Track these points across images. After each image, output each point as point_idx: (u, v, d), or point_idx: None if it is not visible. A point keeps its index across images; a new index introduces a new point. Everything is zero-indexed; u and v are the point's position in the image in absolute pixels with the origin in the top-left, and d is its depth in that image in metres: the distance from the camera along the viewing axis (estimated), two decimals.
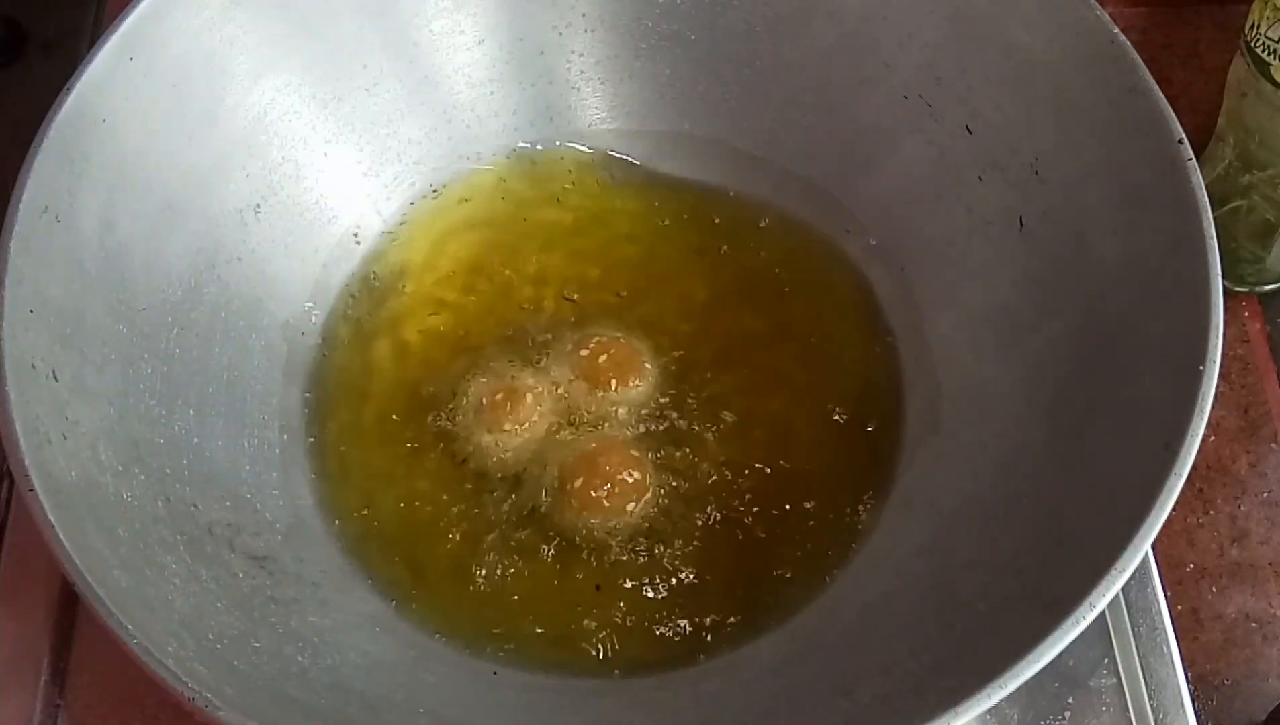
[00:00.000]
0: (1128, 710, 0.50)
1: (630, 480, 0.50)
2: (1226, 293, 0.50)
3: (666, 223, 0.59)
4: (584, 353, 0.53)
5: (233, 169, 0.53)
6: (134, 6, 0.48)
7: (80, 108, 0.46)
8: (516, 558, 0.50)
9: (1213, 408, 0.40)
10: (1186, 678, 0.50)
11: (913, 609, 0.46)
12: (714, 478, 0.52)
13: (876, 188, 0.57)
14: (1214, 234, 0.43)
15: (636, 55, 0.60)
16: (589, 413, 0.52)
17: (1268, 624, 0.54)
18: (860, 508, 0.51)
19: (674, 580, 0.49)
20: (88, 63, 0.47)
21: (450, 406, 0.53)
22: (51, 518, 0.38)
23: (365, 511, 0.51)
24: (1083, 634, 0.36)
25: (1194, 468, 0.39)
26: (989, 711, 0.40)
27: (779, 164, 0.59)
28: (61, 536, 0.38)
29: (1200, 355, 0.41)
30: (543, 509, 0.50)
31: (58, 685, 0.51)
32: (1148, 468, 0.39)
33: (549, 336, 0.55)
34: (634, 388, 0.53)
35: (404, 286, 0.57)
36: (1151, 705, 0.50)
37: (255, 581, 0.45)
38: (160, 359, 0.48)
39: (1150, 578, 0.52)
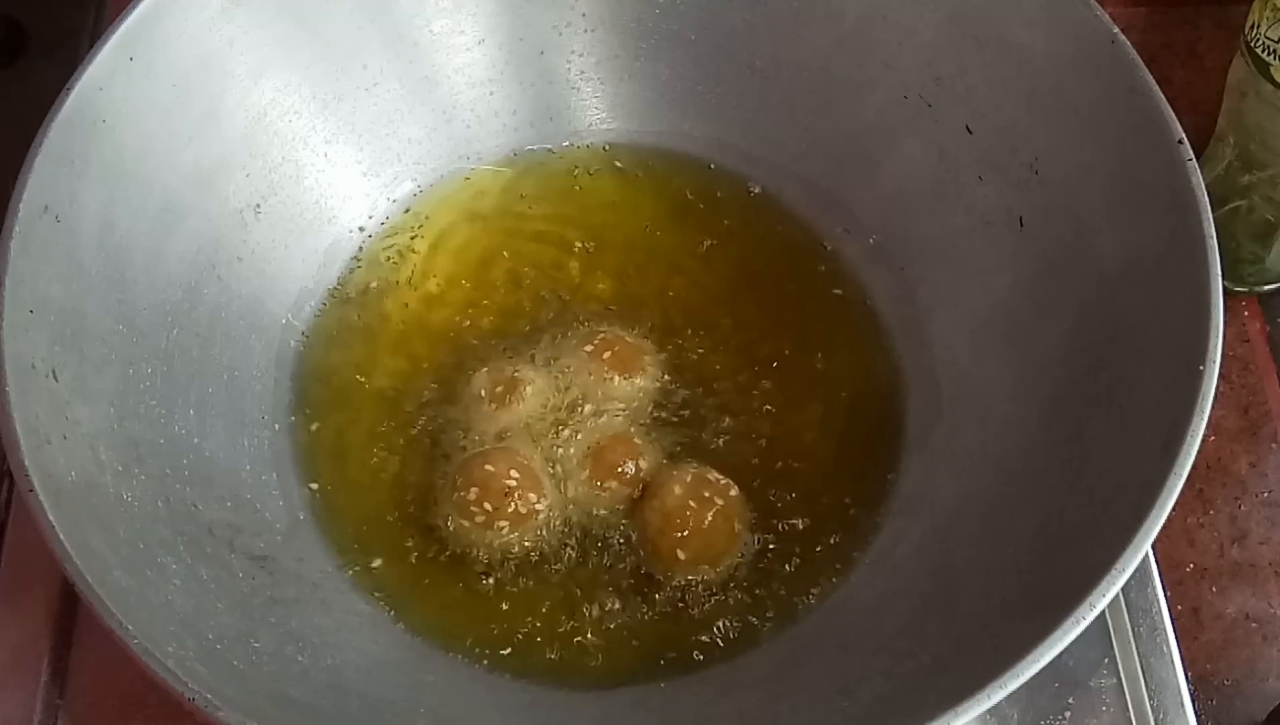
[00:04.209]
0: (1128, 710, 0.50)
1: (633, 473, 0.50)
2: (1226, 293, 0.50)
3: (667, 222, 0.59)
4: (587, 350, 0.53)
5: (233, 169, 0.53)
6: (134, 6, 0.48)
7: (80, 108, 0.46)
8: (515, 559, 0.50)
9: (1213, 408, 0.40)
10: (1186, 678, 0.50)
11: (913, 609, 0.46)
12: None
13: (876, 188, 0.57)
14: (1214, 234, 0.43)
15: (636, 55, 0.60)
16: (591, 409, 0.52)
17: (1268, 624, 0.54)
18: (860, 508, 0.51)
19: (675, 582, 0.49)
20: (88, 63, 0.47)
21: (451, 405, 0.53)
22: (51, 518, 0.38)
23: (364, 512, 0.51)
24: (1083, 634, 0.36)
25: (1194, 468, 0.39)
26: (989, 711, 0.40)
27: (779, 164, 0.59)
28: (61, 536, 0.38)
29: (1200, 355, 0.41)
30: (543, 509, 0.50)
31: (58, 685, 0.51)
32: (1148, 468, 0.39)
33: (550, 335, 0.55)
34: (635, 385, 0.53)
35: (404, 286, 0.57)
36: (1151, 705, 0.50)
37: (255, 581, 0.45)
38: (160, 359, 0.48)
39: (1150, 578, 0.52)
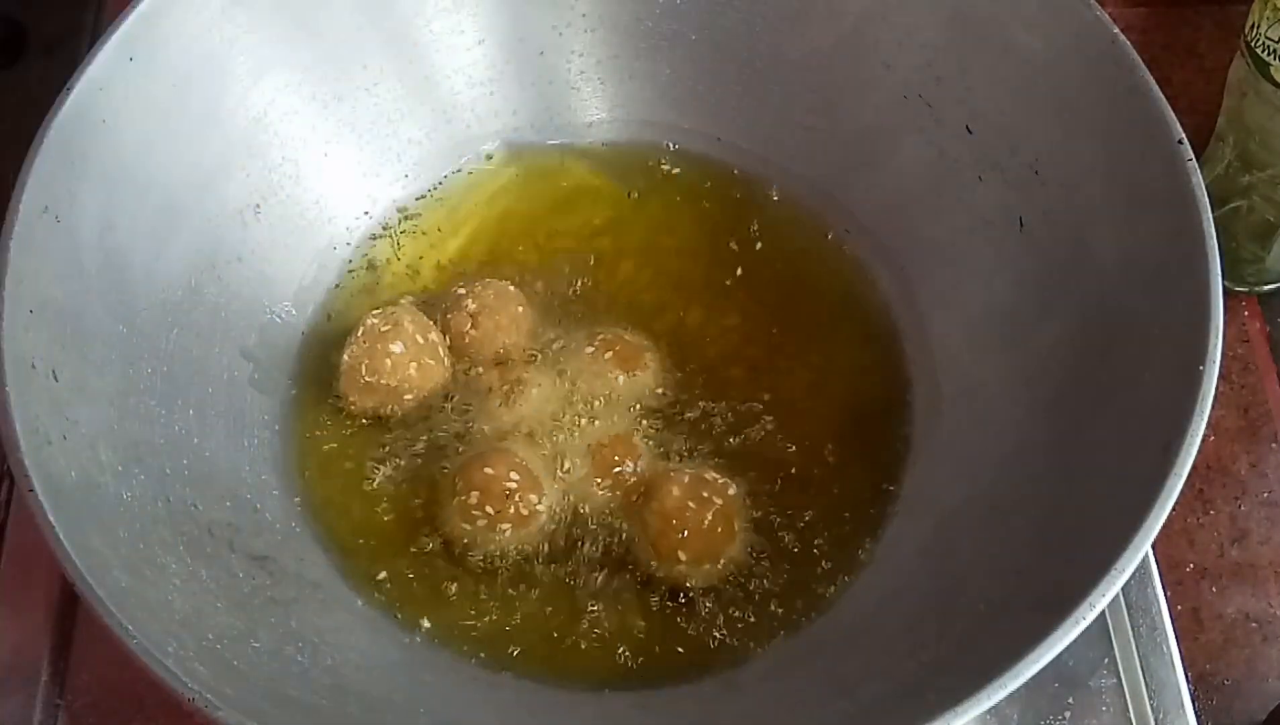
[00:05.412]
0: (1128, 710, 0.50)
1: (633, 473, 0.50)
2: (1226, 293, 0.50)
3: (666, 222, 0.59)
4: (588, 350, 0.53)
5: (233, 169, 0.53)
6: (134, 6, 0.48)
7: (80, 108, 0.46)
8: (515, 559, 0.50)
9: (1213, 408, 0.40)
10: (1186, 678, 0.50)
11: (913, 609, 0.46)
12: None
13: (876, 188, 0.57)
14: (1214, 234, 0.43)
15: (636, 55, 0.60)
16: (592, 409, 0.52)
17: (1268, 624, 0.54)
18: (861, 508, 0.51)
19: (674, 584, 0.49)
20: (88, 63, 0.47)
21: (453, 405, 0.53)
22: (52, 518, 0.38)
23: (365, 512, 0.51)
24: (1083, 634, 0.37)
25: (1194, 468, 0.39)
26: (989, 711, 0.40)
27: (779, 164, 0.59)
28: (62, 537, 0.38)
29: (1200, 355, 0.41)
30: (543, 510, 0.50)
31: (58, 685, 0.51)
32: (1148, 468, 0.39)
33: (551, 334, 0.55)
34: (636, 384, 0.53)
35: (404, 286, 0.57)
36: (1151, 705, 0.50)
37: (255, 581, 0.45)
38: (160, 359, 0.48)
39: (1150, 578, 0.52)
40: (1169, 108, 0.45)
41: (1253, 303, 0.62)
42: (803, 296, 0.57)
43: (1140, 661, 0.50)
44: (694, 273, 0.58)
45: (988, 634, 0.41)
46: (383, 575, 0.49)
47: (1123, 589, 0.38)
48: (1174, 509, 0.38)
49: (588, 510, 0.50)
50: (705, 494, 0.49)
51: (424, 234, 0.59)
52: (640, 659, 0.48)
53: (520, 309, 0.55)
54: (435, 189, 0.60)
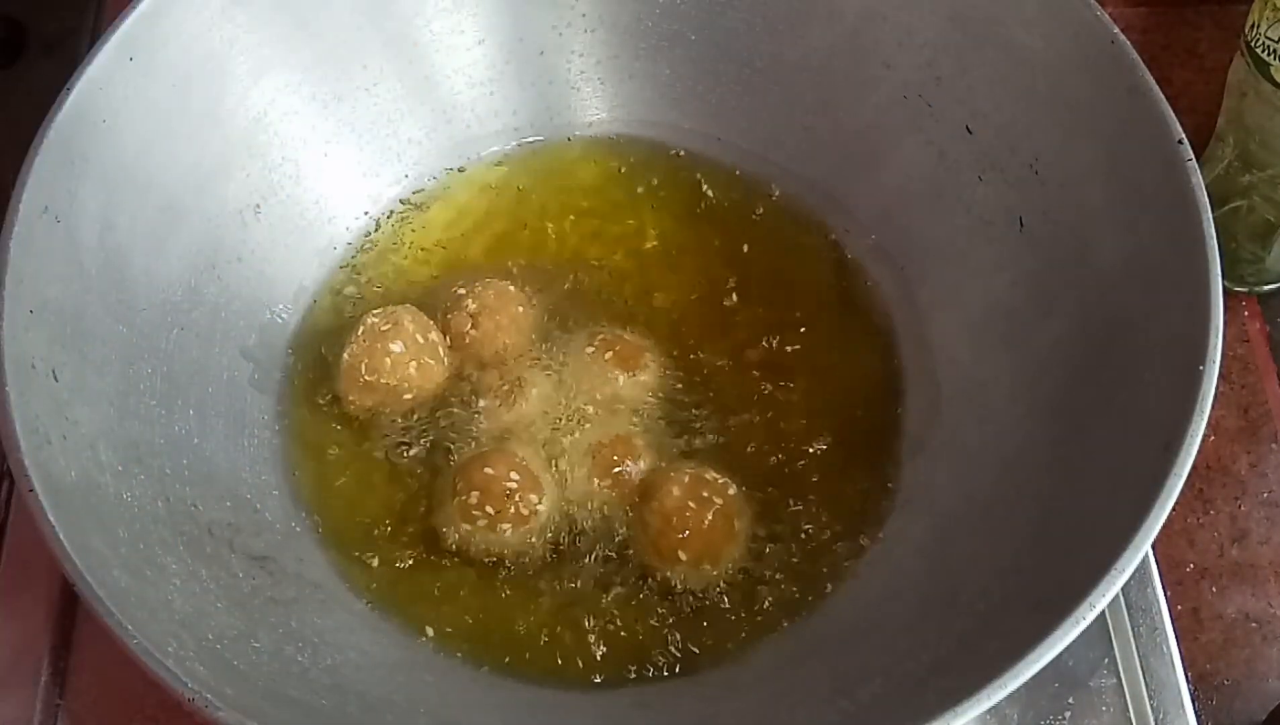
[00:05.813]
0: (1128, 710, 0.50)
1: (633, 474, 0.51)
2: (1226, 293, 0.50)
3: (667, 222, 0.59)
4: (588, 350, 0.53)
5: (233, 169, 0.53)
6: (134, 6, 0.48)
7: (80, 108, 0.46)
8: (514, 559, 0.50)
9: (1213, 408, 0.40)
10: (1186, 678, 0.50)
11: (913, 609, 0.46)
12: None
13: (876, 188, 0.57)
14: (1214, 234, 0.43)
15: (636, 55, 0.60)
16: (592, 409, 0.52)
17: (1268, 624, 0.54)
18: (860, 508, 0.51)
19: (674, 584, 0.49)
20: (88, 63, 0.47)
21: (453, 406, 0.53)
22: (51, 518, 0.38)
23: (364, 512, 0.51)
24: (1083, 634, 0.37)
25: (1194, 468, 0.39)
26: (989, 711, 0.40)
27: (779, 163, 0.59)
28: (61, 536, 0.38)
29: (1200, 355, 0.41)
30: (544, 510, 0.50)
31: (58, 685, 0.51)
32: (1148, 468, 0.39)
33: (552, 334, 0.55)
34: (636, 384, 0.53)
35: (404, 286, 0.57)
36: (1151, 705, 0.50)
37: (255, 581, 0.45)
38: (160, 359, 0.48)
39: (1150, 578, 0.52)
40: (1169, 108, 0.45)
41: (1253, 303, 0.62)
42: (803, 297, 0.57)
43: (1140, 661, 0.50)
44: (694, 273, 0.58)
45: (988, 634, 0.41)
46: (383, 575, 0.49)
47: (1123, 589, 0.39)
48: (1174, 509, 0.38)
49: (588, 510, 0.50)
50: (705, 494, 0.49)
51: (424, 234, 0.59)
52: (640, 658, 0.48)
53: (520, 309, 0.55)
54: (435, 189, 0.60)
